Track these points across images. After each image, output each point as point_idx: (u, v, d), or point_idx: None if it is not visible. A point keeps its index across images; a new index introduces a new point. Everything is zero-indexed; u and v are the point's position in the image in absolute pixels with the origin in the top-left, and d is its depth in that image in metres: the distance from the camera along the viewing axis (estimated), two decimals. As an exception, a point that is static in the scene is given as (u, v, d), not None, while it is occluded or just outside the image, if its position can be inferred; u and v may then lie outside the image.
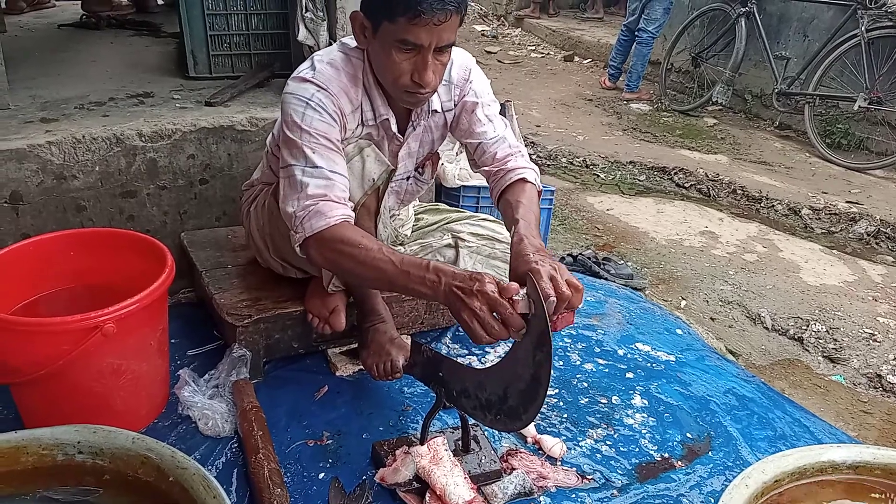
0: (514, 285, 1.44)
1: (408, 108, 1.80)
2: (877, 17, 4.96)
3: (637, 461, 1.85)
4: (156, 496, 1.26)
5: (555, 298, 1.42)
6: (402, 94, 1.68)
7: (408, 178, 2.01)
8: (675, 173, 4.71)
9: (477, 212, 2.50)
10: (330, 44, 2.50)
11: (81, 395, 1.67)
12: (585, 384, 2.15)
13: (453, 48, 1.87)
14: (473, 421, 1.70)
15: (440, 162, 2.71)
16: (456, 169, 2.79)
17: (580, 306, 1.52)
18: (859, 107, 5.02)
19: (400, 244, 2.21)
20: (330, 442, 1.82)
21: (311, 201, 1.62)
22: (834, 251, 3.79)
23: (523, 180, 1.85)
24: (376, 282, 1.73)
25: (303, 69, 1.74)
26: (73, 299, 1.88)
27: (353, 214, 1.68)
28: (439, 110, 1.88)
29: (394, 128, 1.82)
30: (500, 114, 2.01)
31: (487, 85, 1.96)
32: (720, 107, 6.12)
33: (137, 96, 2.62)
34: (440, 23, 1.54)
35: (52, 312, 1.79)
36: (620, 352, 2.35)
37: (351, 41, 1.77)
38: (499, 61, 7.77)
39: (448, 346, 2.27)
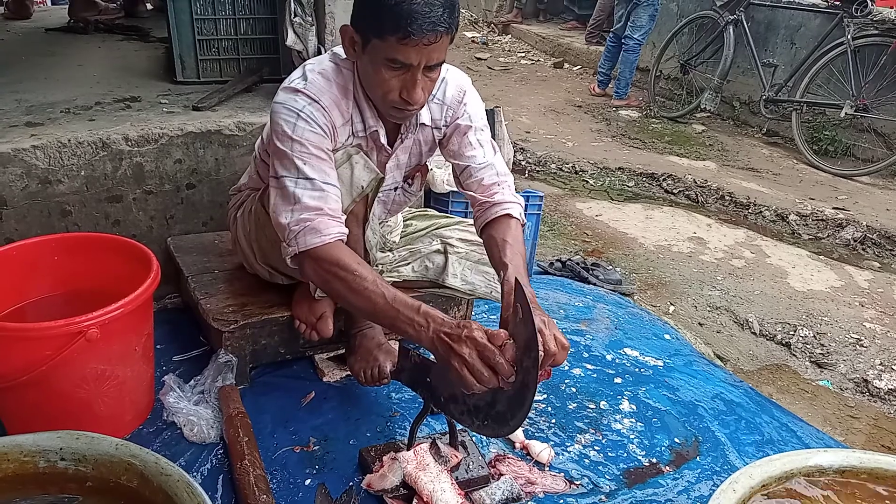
0: (503, 332, 1.43)
1: (395, 122, 1.80)
2: (862, 26, 5.00)
3: (625, 466, 1.85)
4: (139, 503, 1.25)
5: (542, 353, 1.40)
6: (390, 109, 1.67)
7: (395, 189, 2.00)
8: (664, 179, 4.73)
9: (466, 217, 2.50)
10: (319, 49, 2.50)
11: (65, 400, 1.65)
12: (574, 389, 2.15)
13: (450, 67, 1.88)
14: (461, 426, 1.70)
15: (431, 168, 2.72)
16: (445, 174, 2.79)
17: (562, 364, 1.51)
18: (846, 114, 5.06)
19: (389, 250, 2.20)
20: (316, 448, 1.81)
21: (307, 215, 1.61)
22: (821, 257, 3.81)
23: (508, 216, 1.83)
24: (363, 311, 1.69)
25: (294, 79, 1.72)
26: (57, 304, 1.87)
27: (346, 231, 1.66)
28: (428, 124, 1.87)
29: (383, 139, 1.81)
30: (488, 120, 2.01)
31: (482, 108, 1.95)
32: (708, 113, 6.15)
33: (124, 101, 2.60)
34: (430, 43, 1.53)
35: (36, 317, 1.78)
36: (609, 357, 2.35)
37: (342, 51, 1.76)
38: (489, 68, 7.78)
39: (436, 352, 2.26)
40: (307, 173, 1.63)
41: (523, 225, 1.88)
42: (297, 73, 1.74)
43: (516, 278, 1.47)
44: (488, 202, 1.85)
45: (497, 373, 1.39)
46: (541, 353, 1.38)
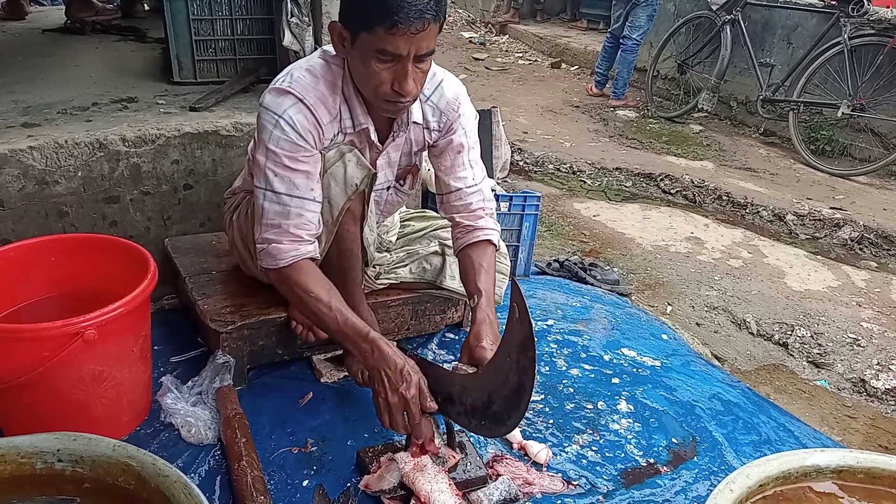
0: (433, 406, 1.59)
1: (388, 116, 1.80)
2: (859, 25, 5.01)
3: (623, 466, 1.85)
4: (136, 504, 1.24)
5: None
6: (383, 102, 1.67)
7: (388, 188, 2.00)
8: (661, 179, 4.73)
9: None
10: (315, 49, 2.49)
11: (62, 402, 1.65)
12: (571, 389, 2.15)
13: (447, 72, 1.88)
14: (459, 427, 1.70)
15: (427, 168, 2.72)
16: (442, 175, 2.79)
17: None
18: (843, 114, 5.06)
19: (386, 251, 2.20)
20: (314, 449, 1.81)
21: (268, 234, 1.70)
22: (818, 257, 3.82)
23: (489, 242, 1.90)
24: (320, 328, 1.84)
25: (280, 78, 1.73)
26: (54, 305, 1.87)
27: (308, 250, 1.71)
28: (420, 122, 1.87)
29: (373, 136, 1.81)
30: (485, 120, 2.01)
31: (475, 122, 1.97)
32: (706, 113, 6.15)
33: (121, 101, 2.60)
34: (418, 32, 1.53)
35: (33, 318, 1.78)
36: (606, 357, 2.35)
37: (333, 48, 1.76)
38: (486, 68, 7.78)
39: (434, 352, 2.27)
40: (275, 186, 1.68)
41: (497, 250, 1.96)
42: (284, 72, 1.76)
43: (515, 280, 1.48)
44: (471, 226, 1.92)
45: (409, 430, 1.61)
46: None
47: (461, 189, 1.92)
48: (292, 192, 1.67)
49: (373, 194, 1.93)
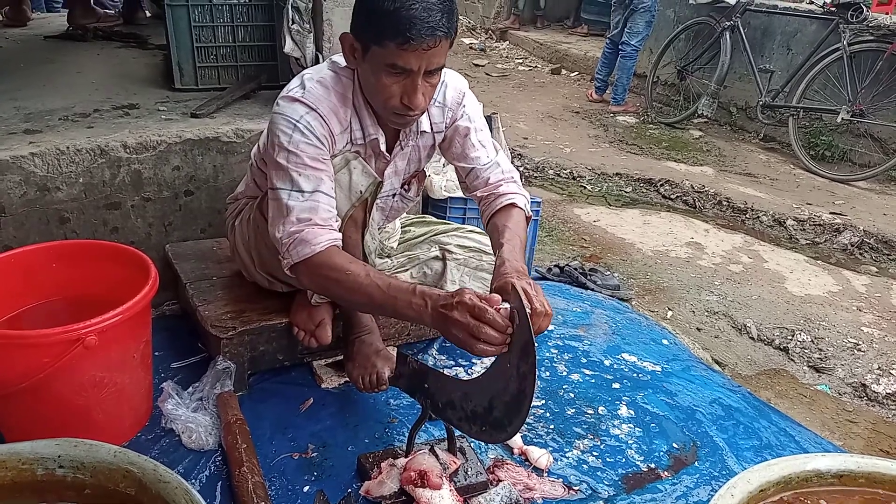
0: (496, 296, 1.47)
1: (396, 128, 1.81)
2: (858, 31, 5.03)
3: (624, 472, 1.85)
4: (137, 510, 1.24)
5: (530, 309, 1.44)
6: (392, 115, 1.68)
7: (393, 195, 2.01)
8: (661, 185, 4.74)
9: (464, 223, 2.50)
10: (316, 56, 2.50)
11: (63, 408, 1.65)
12: (572, 395, 2.15)
13: (447, 70, 1.89)
14: (459, 432, 1.70)
15: (428, 174, 2.72)
16: (443, 180, 2.79)
17: (546, 329, 1.55)
18: (842, 119, 5.08)
19: (387, 256, 2.21)
20: (315, 455, 1.81)
21: (297, 227, 1.64)
22: (818, 262, 3.82)
23: (513, 205, 1.86)
24: (364, 306, 1.75)
25: (292, 88, 1.73)
26: (55, 311, 1.87)
27: (339, 237, 1.68)
28: (428, 131, 1.88)
29: (382, 147, 1.82)
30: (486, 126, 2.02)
31: (480, 109, 1.97)
32: (706, 119, 6.17)
33: (123, 108, 2.60)
34: (429, 48, 1.54)
35: (34, 325, 1.78)
36: (607, 362, 2.35)
37: (341, 59, 1.76)
38: (487, 74, 7.81)
39: (434, 358, 2.27)
40: (301, 185, 1.66)
41: (529, 218, 1.90)
42: (295, 81, 1.75)
43: (513, 285, 1.47)
44: (493, 194, 1.88)
45: (494, 328, 1.41)
46: (529, 309, 1.43)
47: (475, 168, 1.91)
48: (319, 187, 1.66)
49: (378, 202, 1.93)
